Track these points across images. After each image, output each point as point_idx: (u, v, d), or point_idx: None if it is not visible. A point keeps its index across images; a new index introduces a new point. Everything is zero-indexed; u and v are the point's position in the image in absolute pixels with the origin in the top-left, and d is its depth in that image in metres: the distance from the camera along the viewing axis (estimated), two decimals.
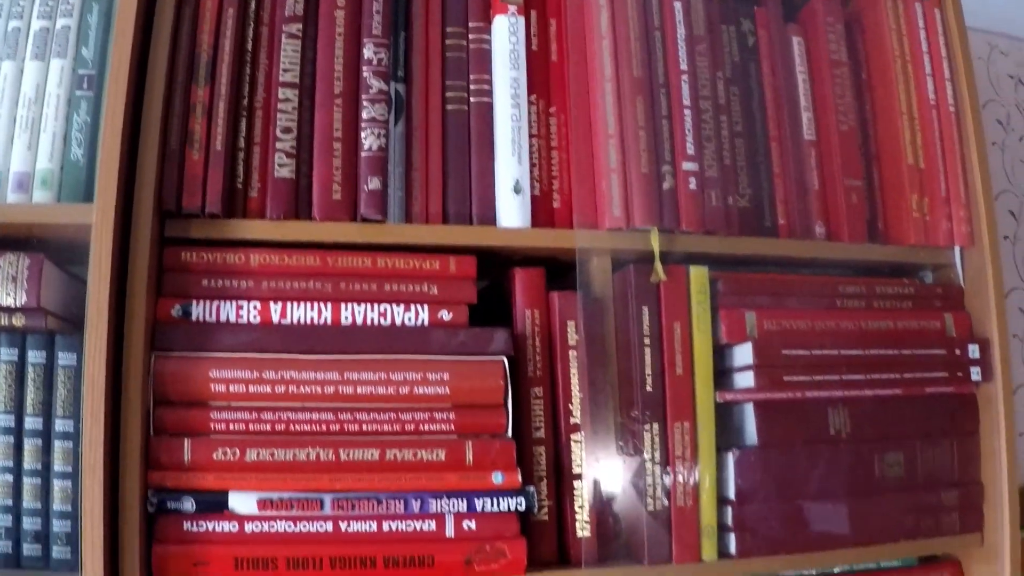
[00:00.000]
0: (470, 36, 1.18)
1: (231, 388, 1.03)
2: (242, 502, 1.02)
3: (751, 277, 1.21)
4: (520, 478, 1.07)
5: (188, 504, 1.00)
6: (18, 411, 1.02)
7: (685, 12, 1.21)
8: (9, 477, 1.01)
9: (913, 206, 1.28)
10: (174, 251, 1.06)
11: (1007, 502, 1.24)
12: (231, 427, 1.03)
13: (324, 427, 1.05)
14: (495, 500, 1.06)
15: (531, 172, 1.16)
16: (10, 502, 1.01)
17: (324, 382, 1.05)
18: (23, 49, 1.05)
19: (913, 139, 1.30)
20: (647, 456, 1.12)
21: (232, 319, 1.07)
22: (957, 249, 1.31)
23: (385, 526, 1.04)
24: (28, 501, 1.01)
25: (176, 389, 1.03)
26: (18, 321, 1.00)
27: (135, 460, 0.98)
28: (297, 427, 1.04)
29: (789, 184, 1.25)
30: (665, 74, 1.19)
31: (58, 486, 1.01)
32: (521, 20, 1.18)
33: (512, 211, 1.13)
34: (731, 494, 1.15)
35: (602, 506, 1.13)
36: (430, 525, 1.05)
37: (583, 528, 1.12)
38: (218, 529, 1.01)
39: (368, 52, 1.12)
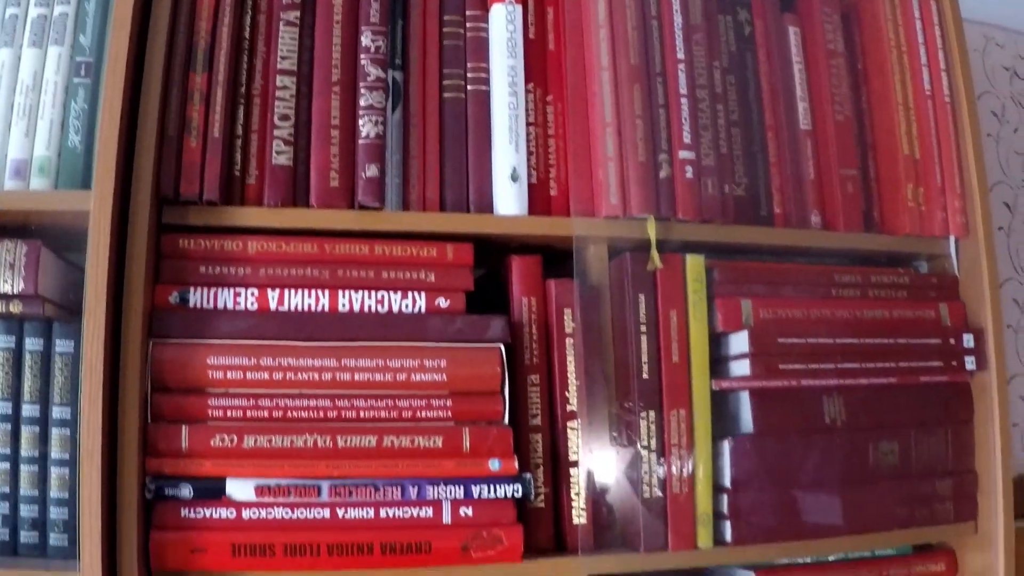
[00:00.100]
0: (467, 24, 1.18)
1: (229, 375, 1.04)
2: (239, 489, 1.02)
3: (747, 265, 1.21)
4: (517, 465, 1.08)
5: (186, 491, 1.01)
6: (15, 398, 1.02)
7: (682, 1, 1.21)
8: (6, 465, 1.01)
9: (908, 196, 1.29)
10: (172, 238, 1.06)
11: (1001, 491, 1.24)
12: (229, 414, 1.04)
13: (321, 414, 1.05)
14: (492, 487, 1.06)
15: (528, 160, 1.16)
16: (7, 490, 1.01)
17: (321, 369, 1.05)
18: (20, 36, 1.05)
19: (909, 129, 1.31)
20: (643, 444, 1.13)
21: (230, 306, 1.07)
22: (952, 239, 1.31)
23: (382, 513, 1.04)
24: (25, 488, 1.01)
25: (174, 376, 1.03)
26: (15, 308, 1.00)
27: (133, 447, 0.98)
28: (294, 414, 1.05)
29: (785, 173, 1.25)
30: (662, 63, 1.19)
31: (55, 473, 1.02)
32: (518, 8, 1.18)
33: (509, 199, 1.13)
34: (726, 482, 1.15)
35: (598, 494, 1.13)
36: (427, 512, 1.05)
37: (579, 515, 1.12)
38: (215, 516, 1.01)
39: (366, 40, 1.12)
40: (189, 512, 1.01)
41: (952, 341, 1.25)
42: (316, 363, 1.05)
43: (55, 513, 1.01)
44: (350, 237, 1.10)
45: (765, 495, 1.16)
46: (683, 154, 1.17)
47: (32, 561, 1.00)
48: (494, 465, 1.07)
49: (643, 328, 1.14)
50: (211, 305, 1.06)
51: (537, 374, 1.13)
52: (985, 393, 1.27)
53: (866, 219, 1.28)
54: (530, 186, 1.15)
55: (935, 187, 1.30)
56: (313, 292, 1.08)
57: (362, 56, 1.12)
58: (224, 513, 1.01)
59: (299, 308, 1.08)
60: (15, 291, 0.99)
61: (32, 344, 1.03)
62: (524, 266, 1.15)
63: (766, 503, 1.16)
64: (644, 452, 1.13)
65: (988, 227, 1.29)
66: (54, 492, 1.01)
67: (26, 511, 1.01)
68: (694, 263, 1.16)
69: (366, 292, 1.10)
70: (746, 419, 1.16)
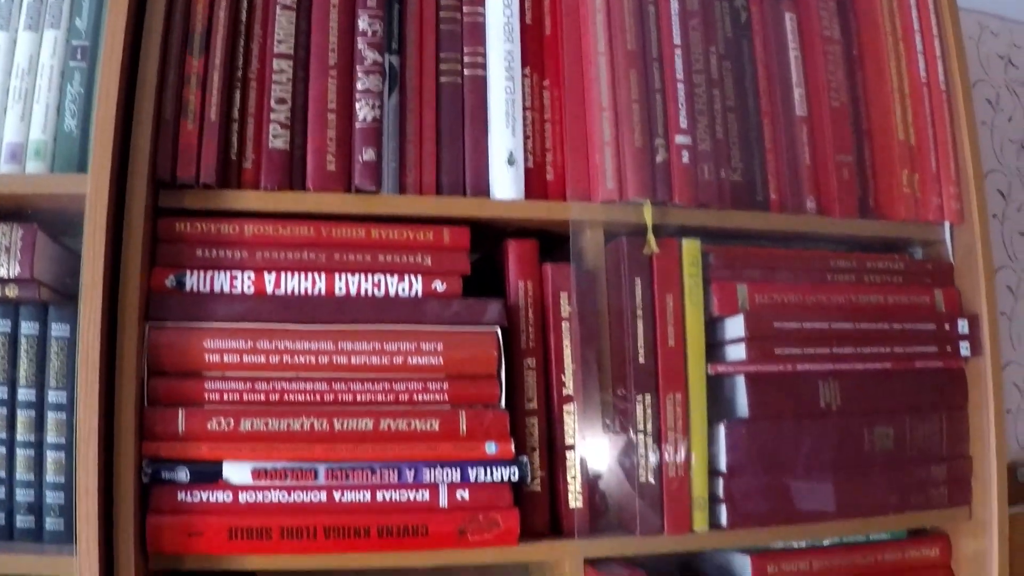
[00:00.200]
0: (464, 9, 1.18)
1: (225, 358, 1.04)
2: (236, 472, 1.02)
3: (743, 250, 1.21)
4: (513, 448, 1.08)
5: (182, 474, 1.01)
6: (11, 383, 1.02)
7: None
8: (2, 449, 1.01)
9: (904, 182, 1.29)
10: (168, 221, 1.06)
11: (995, 476, 1.25)
12: (225, 397, 1.04)
13: (318, 397, 1.05)
14: (488, 470, 1.07)
15: (525, 144, 1.16)
16: (3, 474, 1.01)
17: (318, 352, 1.05)
18: (16, 20, 1.05)
19: (904, 116, 1.31)
20: (639, 428, 1.13)
21: (226, 289, 1.07)
22: (947, 225, 1.31)
23: (379, 496, 1.05)
24: (21, 473, 1.01)
25: (170, 359, 1.03)
26: (11, 292, 1.00)
27: (129, 431, 0.98)
28: (291, 397, 1.05)
29: (781, 159, 1.25)
30: (658, 48, 1.19)
31: (51, 457, 1.01)
32: None
33: (506, 183, 1.14)
34: (722, 466, 1.15)
35: (594, 478, 1.14)
36: (424, 495, 1.05)
37: (575, 499, 1.12)
38: (212, 499, 1.02)
39: (363, 23, 1.12)
40: (186, 496, 1.01)
41: (947, 327, 1.25)
42: (313, 346, 1.05)
43: (51, 497, 1.01)
44: (347, 221, 1.10)
45: (760, 479, 1.16)
46: (679, 139, 1.17)
47: (28, 546, 1.00)
48: (490, 448, 1.07)
49: (639, 312, 1.14)
50: (207, 289, 1.06)
51: (533, 358, 1.13)
52: (979, 379, 1.27)
53: (861, 205, 1.28)
54: (527, 170, 1.15)
55: (930, 173, 1.30)
56: (310, 275, 1.08)
57: (359, 40, 1.12)
58: (221, 496, 1.02)
59: (296, 292, 1.08)
60: (11, 275, 0.99)
61: (28, 328, 1.02)
62: (520, 250, 1.15)
63: (761, 487, 1.16)
64: (640, 436, 1.13)
65: (983, 213, 1.29)
66: (50, 476, 1.01)
67: (22, 495, 1.01)
68: (690, 247, 1.17)
69: (363, 275, 1.10)
70: (742, 403, 1.17)
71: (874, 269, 1.27)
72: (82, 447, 0.94)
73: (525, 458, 1.09)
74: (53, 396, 1.02)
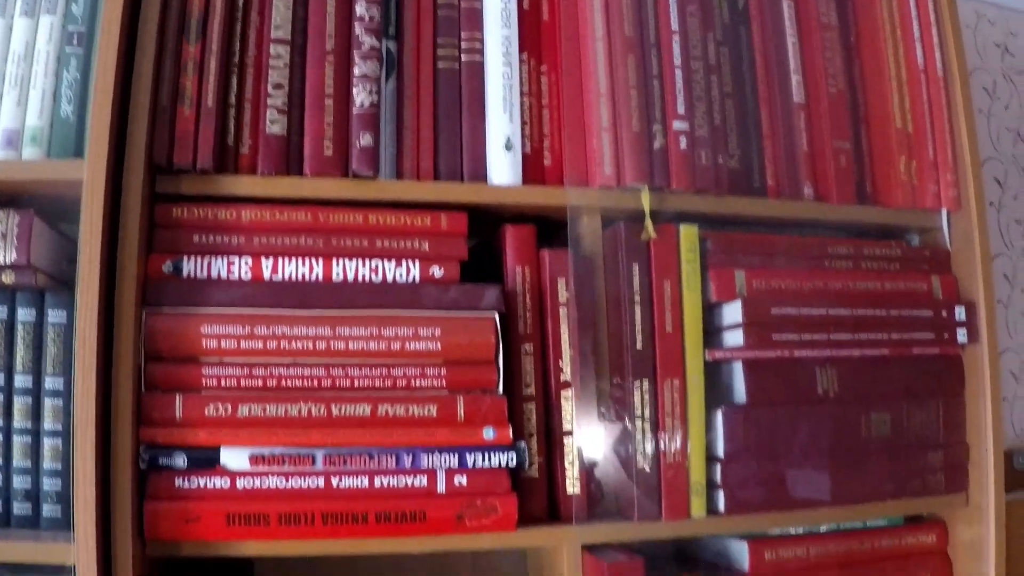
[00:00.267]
0: None
1: (223, 344, 1.03)
2: (234, 458, 1.02)
3: (740, 236, 1.22)
4: (511, 434, 1.08)
5: (180, 460, 1.01)
6: (7, 369, 1.02)
7: None
8: None
9: (901, 169, 1.29)
10: (165, 207, 1.06)
11: (992, 463, 1.25)
12: (223, 383, 1.04)
13: (316, 383, 1.05)
14: (486, 456, 1.07)
15: (522, 130, 1.16)
16: (0, 461, 1.01)
17: (316, 338, 1.05)
18: (12, 6, 1.04)
19: (901, 103, 1.31)
20: (636, 414, 1.13)
21: (223, 275, 1.07)
22: (944, 212, 1.31)
23: (377, 481, 1.04)
24: (18, 460, 1.01)
25: (167, 345, 1.03)
26: (8, 278, 1.00)
27: (126, 417, 0.98)
28: (289, 383, 1.05)
29: (778, 145, 1.25)
30: (656, 34, 1.19)
31: (48, 444, 1.01)
32: None
33: (503, 168, 1.13)
34: (719, 452, 1.16)
35: (592, 463, 1.14)
36: (421, 481, 1.05)
37: (573, 485, 1.12)
38: (210, 485, 1.01)
39: (360, 9, 1.12)
40: (183, 481, 1.01)
41: (944, 313, 1.26)
42: (310, 332, 1.05)
43: (48, 484, 1.01)
44: (344, 206, 1.10)
45: (758, 465, 1.17)
46: (677, 125, 1.17)
47: (25, 532, 1.00)
48: (488, 434, 1.07)
49: (637, 298, 1.14)
50: (205, 274, 1.06)
51: (531, 343, 1.13)
52: (976, 366, 1.27)
53: (859, 191, 1.28)
54: (524, 156, 1.15)
55: (928, 160, 1.30)
56: (307, 261, 1.08)
57: (356, 25, 1.11)
58: (218, 482, 1.02)
59: (293, 277, 1.08)
60: (7, 261, 0.99)
61: (24, 315, 1.02)
62: (518, 235, 1.15)
63: (759, 473, 1.17)
64: (638, 422, 1.13)
65: (980, 200, 1.29)
66: (47, 463, 1.01)
67: (19, 482, 1.01)
68: (688, 233, 1.17)
69: (360, 261, 1.10)
70: (739, 389, 1.17)
71: (871, 256, 1.27)
72: (79, 433, 0.94)
73: (523, 443, 1.09)
74: (50, 383, 1.02)
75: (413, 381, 1.07)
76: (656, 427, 1.13)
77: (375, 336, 1.06)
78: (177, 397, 1.02)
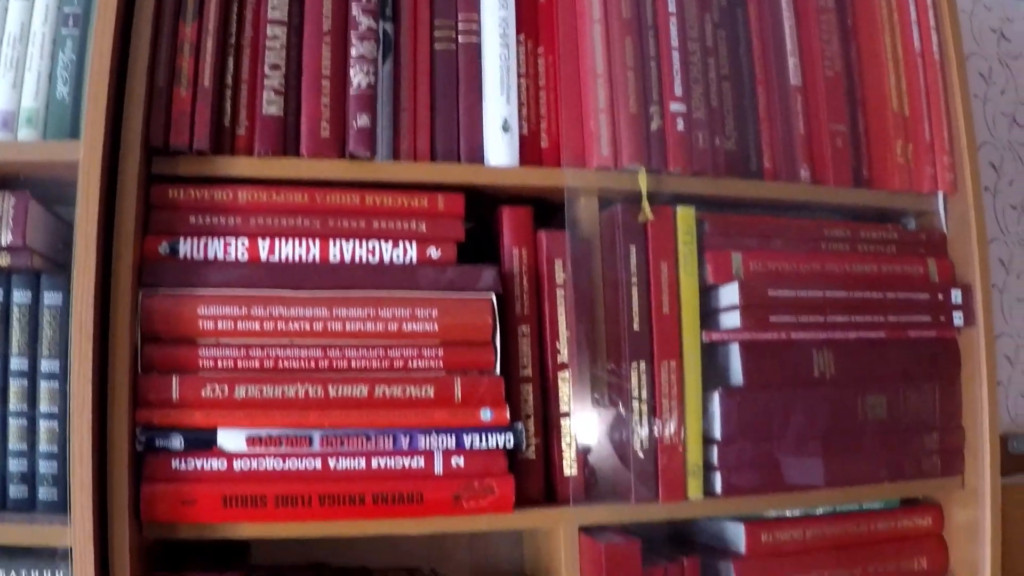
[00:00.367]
0: None
1: (219, 325, 1.03)
2: (231, 439, 1.02)
3: (737, 219, 1.21)
4: (508, 415, 1.08)
5: (176, 442, 1.01)
6: (3, 352, 1.02)
7: None
8: None
9: (898, 152, 1.29)
10: (161, 188, 1.06)
11: (988, 446, 1.25)
12: (219, 364, 1.04)
13: (313, 364, 1.05)
14: (483, 437, 1.07)
15: (519, 111, 1.16)
16: None
17: (313, 319, 1.05)
18: None
19: (898, 86, 1.31)
20: (634, 395, 1.13)
21: (220, 256, 1.06)
22: (940, 196, 1.31)
23: (374, 463, 1.05)
24: (14, 442, 1.01)
25: (164, 326, 1.03)
26: (3, 260, 1.00)
27: (123, 398, 0.98)
28: (286, 364, 1.05)
29: (775, 128, 1.25)
30: (653, 16, 1.19)
31: (44, 427, 1.01)
32: None
33: (500, 149, 1.13)
34: (716, 434, 1.16)
35: (589, 445, 1.14)
36: (419, 462, 1.05)
37: (570, 466, 1.12)
38: (206, 467, 1.01)
39: None
40: (180, 463, 1.01)
41: (940, 296, 1.26)
42: (307, 313, 1.05)
43: (44, 467, 1.01)
44: (341, 187, 1.10)
45: (755, 447, 1.17)
46: (674, 106, 1.17)
47: (21, 516, 0.99)
48: (485, 415, 1.07)
49: (634, 280, 1.14)
50: (201, 255, 1.06)
51: (527, 325, 1.13)
52: (972, 349, 1.28)
53: (855, 175, 1.28)
54: (521, 137, 1.15)
55: (924, 144, 1.30)
56: (304, 242, 1.08)
57: (353, 6, 1.11)
58: (215, 464, 1.02)
59: (290, 258, 1.08)
60: (3, 243, 0.99)
61: (20, 297, 1.02)
62: (515, 217, 1.15)
63: (755, 455, 1.17)
64: (634, 404, 1.13)
65: (976, 184, 1.29)
66: (43, 446, 1.01)
67: (15, 465, 1.01)
68: (685, 215, 1.17)
69: (357, 242, 1.09)
70: (736, 371, 1.17)
71: (868, 239, 1.27)
72: (76, 415, 0.94)
73: (520, 425, 1.09)
74: (46, 365, 1.02)
75: (410, 362, 1.07)
76: (653, 409, 1.13)
77: (372, 317, 1.06)
78: (174, 378, 1.02)
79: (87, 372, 0.94)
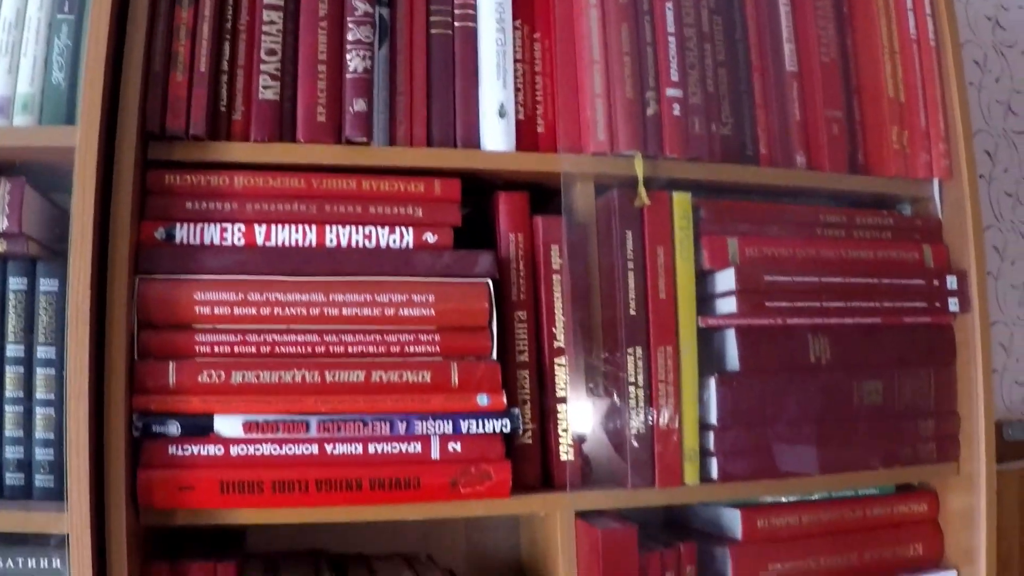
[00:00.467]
0: None
1: (216, 310, 1.03)
2: (227, 425, 1.02)
3: (733, 204, 1.22)
4: (505, 400, 1.08)
5: (173, 428, 1.01)
6: None
7: None
8: None
9: (893, 138, 1.29)
10: (157, 174, 1.06)
11: (983, 432, 1.26)
12: (216, 349, 1.04)
13: (309, 349, 1.05)
14: (480, 422, 1.07)
15: (515, 97, 1.16)
16: None
17: (309, 304, 1.05)
18: None
19: (894, 73, 1.31)
20: (630, 380, 1.13)
21: (216, 241, 1.06)
22: (936, 182, 1.31)
23: (371, 448, 1.05)
24: (10, 430, 1.01)
25: (160, 312, 1.03)
26: None
27: (120, 384, 0.97)
28: (282, 349, 1.05)
29: (771, 114, 1.25)
30: (650, 1, 1.19)
31: (40, 414, 1.01)
32: None
33: (496, 134, 1.13)
34: (713, 419, 1.16)
35: (585, 430, 1.14)
36: (415, 447, 1.06)
37: (567, 452, 1.12)
38: (203, 453, 1.01)
39: None
40: (177, 449, 1.01)
41: (936, 282, 1.26)
42: (304, 298, 1.05)
43: (40, 454, 1.01)
44: (337, 172, 1.10)
45: (751, 433, 1.17)
46: (670, 92, 1.17)
47: (18, 503, 0.99)
48: (482, 400, 1.07)
49: (630, 265, 1.14)
50: (197, 241, 1.06)
51: (524, 310, 1.14)
52: (968, 335, 1.28)
53: (851, 161, 1.28)
54: (517, 123, 1.15)
55: (920, 130, 1.30)
56: (300, 227, 1.08)
57: None
58: (212, 450, 1.02)
59: (286, 243, 1.08)
60: None
61: (16, 283, 1.02)
62: (511, 202, 1.15)
63: (752, 441, 1.17)
64: (631, 389, 1.13)
65: (972, 170, 1.29)
66: (39, 433, 1.01)
67: (11, 453, 1.01)
68: (681, 200, 1.17)
69: (353, 227, 1.09)
70: (732, 357, 1.17)
71: (863, 225, 1.27)
72: (72, 401, 0.93)
73: (517, 410, 1.09)
74: (42, 352, 1.01)
75: (407, 347, 1.07)
76: (649, 394, 1.14)
77: (369, 302, 1.06)
78: (170, 364, 1.02)
79: (83, 358, 0.94)
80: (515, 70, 1.16)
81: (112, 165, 1.00)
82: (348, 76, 1.09)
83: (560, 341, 1.13)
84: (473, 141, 1.13)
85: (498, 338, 1.10)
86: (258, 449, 1.02)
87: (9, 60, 1.01)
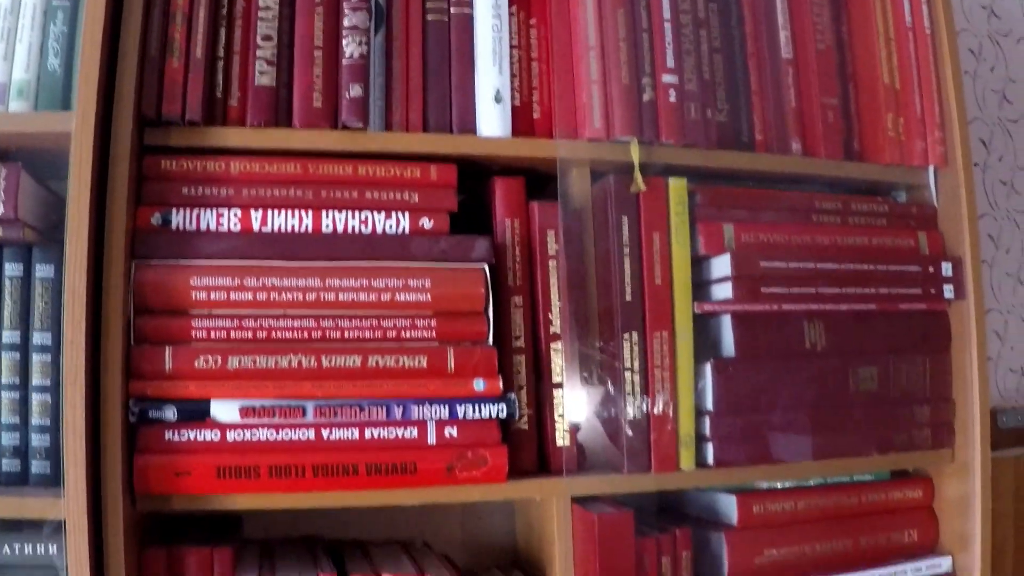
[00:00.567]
0: None
1: (212, 296, 1.03)
2: (224, 410, 1.02)
3: (729, 190, 1.22)
4: (501, 385, 1.08)
5: (170, 413, 1.01)
6: None
7: None
8: None
9: (889, 126, 1.29)
10: (153, 159, 1.06)
11: (978, 418, 1.26)
12: (212, 335, 1.04)
13: (306, 334, 1.05)
14: (476, 407, 1.07)
15: (511, 83, 1.16)
16: None
17: (305, 289, 1.05)
18: None
19: (889, 60, 1.31)
20: (626, 366, 1.13)
21: (212, 227, 1.06)
22: (931, 170, 1.32)
23: (367, 433, 1.05)
24: (6, 416, 1.01)
25: (157, 297, 1.03)
26: None
27: (116, 370, 0.97)
28: (279, 334, 1.05)
29: (766, 100, 1.25)
30: None
31: (36, 400, 1.01)
32: None
33: (492, 120, 1.13)
34: (708, 405, 1.16)
35: (581, 415, 1.14)
36: (412, 432, 1.06)
37: (563, 437, 1.12)
38: (200, 438, 1.01)
39: None
40: (173, 435, 1.01)
41: (931, 269, 1.26)
42: (300, 283, 1.05)
43: (37, 440, 1.01)
44: (333, 158, 1.10)
45: (746, 418, 1.17)
46: (666, 78, 1.17)
47: (14, 489, 0.99)
48: (479, 385, 1.07)
49: (626, 250, 1.14)
50: (194, 226, 1.06)
51: (520, 296, 1.14)
52: (963, 322, 1.28)
53: (846, 148, 1.29)
54: (513, 108, 1.15)
55: (915, 117, 1.31)
56: (296, 212, 1.08)
57: None
58: (208, 435, 1.02)
59: (282, 229, 1.08)
60: None
61: (11, 270, 1.02)
62: (507, 187, 1.15)
63: (747, 426, 1.17)
64: (627, 374, 1.13)
65: (967, 157, 1.30)
66: (35, 419, 1.01)
67: (7, 439, 1.01)
68: (677, 186, 1.17)
69: (350, 212, 1.09)
70: (728, 342, 1.17)
71: (859, 211, 1.28)
72: (69, 386, 0.93)
73: (513, 395, 1.09)
74: (38, 338, 1.01)
75: (403, 332, 1.07)
76: (645, 380, 1.14)
77: (365, 287, 1.06)
78: (167, 349, 1.02)
79: (80, 342, 0.94)
80: (511, 56, 1.16)
81: (108, 151, 1.00)
82: (344, 62, 1.09)
83: (556, 327, 1.14)
84: (469, 127, 1.13)
85: (494, 323, 1.10)
86: (254, 434, 1.02)
87: (4, 46, 1.01)
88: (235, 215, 1.07)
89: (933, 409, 1.27)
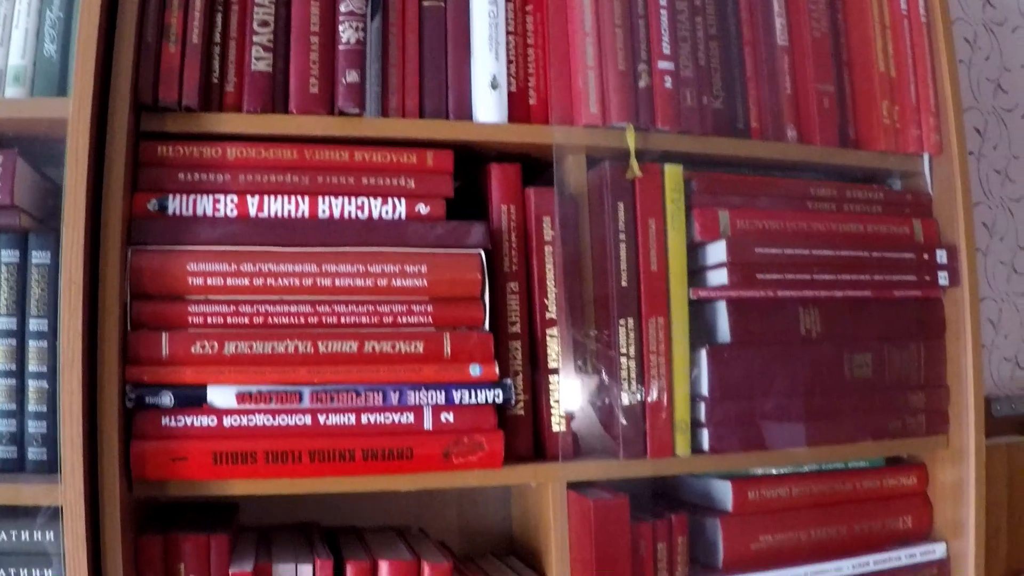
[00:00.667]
0: None
1: (209, 281, 1.03)
2: (221, 396, 1.02)
3: (725, 177, 1.22)
4: (497, 371, 1.08)
5: (166, 399, 1.01)
6: None
7: None
8: None
9: (884, 113, 1.30)
10: (150, 145, 1.06)
11: (972, 405, 1.27)
12: (209, 320, 1.04)
13: (302, 319, 1.05)
14: (473, 392, 1.07)
15: (507, 68, 1.16)
16: None
17: (302, 275, 1.05)
18: None
19: (885, 48, 1.31)
20: (621, 351, 1.13)
21: (209, 213, 1.06)
22: (926, 157, 1.32)
23: (364, 419, 1.05)
24: (3, 403, 1.01)
25: (153, 283, 1.03)
26: None
27: (113, 355, 0.98)
28: (275, 320, 1.05)
29: (762, 87, 1.25)
30: None
31: (33, 386, 1.01)
32: None
33: (489, 106, 1.13)
34: (704, 390, 1.16)
35: (577, 401, 1.14)
36: (408, 418, 1.06)
37: (559, 423, 1.13)
38: (196, 424, 1.01)
39: None
40: (170, 420, 1.01)
41: (926, 256, 1.26)
42: (297, 269, 1.05)
43: (33, 427, 1.01)
44: (330, 143, 1.10)
45: (742, 404, 1.18)
46: (662, 64, 1.17)
47: (11, 476, 0.99)
48: (475, 371, 1.07)
49: (622, 236, 1.14)
50: (190, 212, 1.06)
51: (516, 282, 1.14)
52: (957, 309, 1.29)
53: (842, 135, 1.29)
54: (509, 95, 1.15)
55: (910, 105, 1.31)
56: (293, 198, 1.08)
57: None
58: (205, 421, 1.02)
59: (279, 214, 1.08)
60: None
61: (8, 256, 1.02)
62: (503, 173, 1.15)
63: (743, 412, 1.18)
64: (623, 360, 1.13)
65: (962, 145, 1.30)
66: (32, 406, 1.01)
67: (4, 426, 1.01)
68: (672, 172, 1.17)
69: (346, 198, 1.09)
70: (723, 328, 1.18)
71: (854, 199, 1.28)
72: (66, 372, 0.93)
73: (509, 381, 1.10)
74: (34, 324, 1.01)
75: (400, 318, 1.08)
76: (641, 365, 1.14)
77: (361, 273, 1.06)
78: (163, 335, 1.02)
79: (77, 328, 0.94)
80: (507, 42, 1.16)
81: (104, 137, 0.99)
82: (341, 48, 1.09)
83: (552, 312, 1.14)
84: (465, 113, 1.13)
85: (490, 309, 1.11)
86: (251, 420, 1.02)
87: (0, 32, 1.01)
88: (232, 201, 1.07)
89: (927, 396, 1.28)
